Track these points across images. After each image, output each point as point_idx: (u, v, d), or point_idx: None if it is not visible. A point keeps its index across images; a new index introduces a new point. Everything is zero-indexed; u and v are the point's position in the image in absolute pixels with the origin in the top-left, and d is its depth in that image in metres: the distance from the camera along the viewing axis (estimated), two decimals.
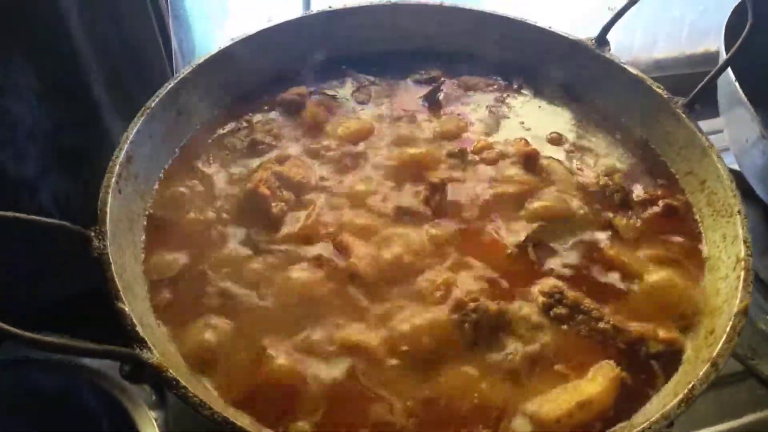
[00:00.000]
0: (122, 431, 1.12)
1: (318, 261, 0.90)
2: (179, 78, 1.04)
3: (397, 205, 0.98)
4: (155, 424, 1.11)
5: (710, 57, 1.27)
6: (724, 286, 0.87)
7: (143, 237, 0.92)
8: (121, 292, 0.76)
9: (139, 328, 0.74)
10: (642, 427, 0.69)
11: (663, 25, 1.63)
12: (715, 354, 0.75)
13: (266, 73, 1.18)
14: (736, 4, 1.22)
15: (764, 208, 1.40)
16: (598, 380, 0.78)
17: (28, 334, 0.62)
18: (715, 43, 1.30)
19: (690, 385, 0.72)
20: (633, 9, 1.12)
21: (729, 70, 1.19)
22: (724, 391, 1.14)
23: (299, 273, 0.89)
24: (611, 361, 0.81)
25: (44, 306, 1.24)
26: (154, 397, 1.16)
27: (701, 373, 0.74)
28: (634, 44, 1.64)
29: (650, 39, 1.65)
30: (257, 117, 1.12)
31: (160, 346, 0.77)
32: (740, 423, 1.10)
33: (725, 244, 0.92)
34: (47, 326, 1.13)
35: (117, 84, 1.22)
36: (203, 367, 0.80)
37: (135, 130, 0.95)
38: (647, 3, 1.55)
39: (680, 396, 0.72)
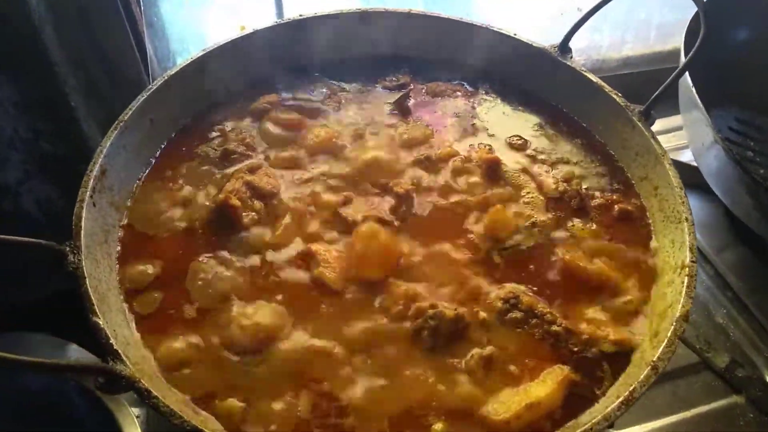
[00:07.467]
0: (105, 429, 1.16)
1: (287, 269, 0.95)
2: (152, 90, 1.06)
3: (364, 214, 1.01)
4: (137, 422, 1.16)
5: (678, 54, 1.30)
6: (670, 290, 0.91)
7: (118, 248, 0.96)
8: (95, 306, 0.80)
9: (113, 341, 0.77)
10: (584, 428, 0.74)
11: (630, 26, 1.67)
12: (656, 358, 0.80)
13: (239, 81, 1.20)
14: (695, 12, 1.25)
15: (723, 206, 1.45)
16: (547, 382, 0.83)
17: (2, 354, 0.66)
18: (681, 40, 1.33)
19: (631, 388, 0.77)
20: (601, 13, 1.14)
21: (687, 75, 1.22)
22: (680, 382, 1.20)
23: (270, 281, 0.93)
24: (563, 365, 0.86)
25: (25, 305, 1.29)
26: (136, 396, 1.20)
27: (642, 375, 0.78)
28: (603, 44, 1.67)
29: (619, 39, 1.68)
30: (229, 125, 1.14)
31: (135, 353, 0.81)
32: (695, 413, 1.15)
33: (673, 249, 0.96)
34: (30, 324, 1.19)
35: (94, 92, 1.25)
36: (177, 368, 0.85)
37: (108, 144, 0.97)
38: (614, 7, 1.59)
39: (621, 398, 0.76)
